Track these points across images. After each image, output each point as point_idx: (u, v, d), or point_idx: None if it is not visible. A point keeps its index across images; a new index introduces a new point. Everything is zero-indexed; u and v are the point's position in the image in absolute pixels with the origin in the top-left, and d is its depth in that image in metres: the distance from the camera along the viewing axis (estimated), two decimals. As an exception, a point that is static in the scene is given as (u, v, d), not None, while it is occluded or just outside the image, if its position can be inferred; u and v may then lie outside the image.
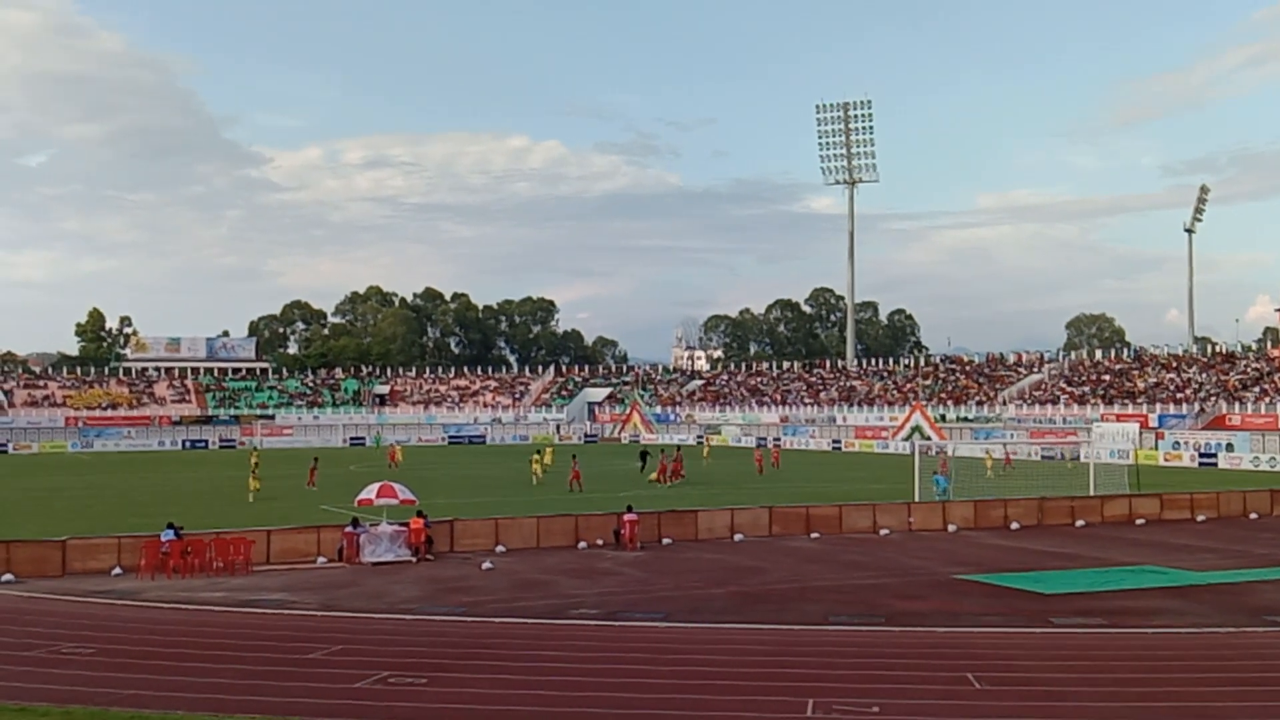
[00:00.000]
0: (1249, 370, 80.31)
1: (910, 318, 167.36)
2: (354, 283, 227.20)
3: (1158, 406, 77.12)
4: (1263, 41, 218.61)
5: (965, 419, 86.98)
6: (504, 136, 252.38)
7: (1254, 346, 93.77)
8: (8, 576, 25.52)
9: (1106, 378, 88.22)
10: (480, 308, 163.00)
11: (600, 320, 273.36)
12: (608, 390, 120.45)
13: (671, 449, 59.87)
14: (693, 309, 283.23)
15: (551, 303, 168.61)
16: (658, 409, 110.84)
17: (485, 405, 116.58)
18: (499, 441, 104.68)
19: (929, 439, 66.69)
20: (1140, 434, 71.68)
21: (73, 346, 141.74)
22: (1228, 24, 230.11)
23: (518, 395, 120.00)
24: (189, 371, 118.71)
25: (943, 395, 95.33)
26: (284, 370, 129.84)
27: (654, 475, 52.53)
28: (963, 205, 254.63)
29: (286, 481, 51.03)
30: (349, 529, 28.71)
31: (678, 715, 14.14)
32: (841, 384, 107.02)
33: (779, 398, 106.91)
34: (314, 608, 22.21)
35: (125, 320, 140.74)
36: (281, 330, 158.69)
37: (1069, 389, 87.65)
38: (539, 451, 56.86)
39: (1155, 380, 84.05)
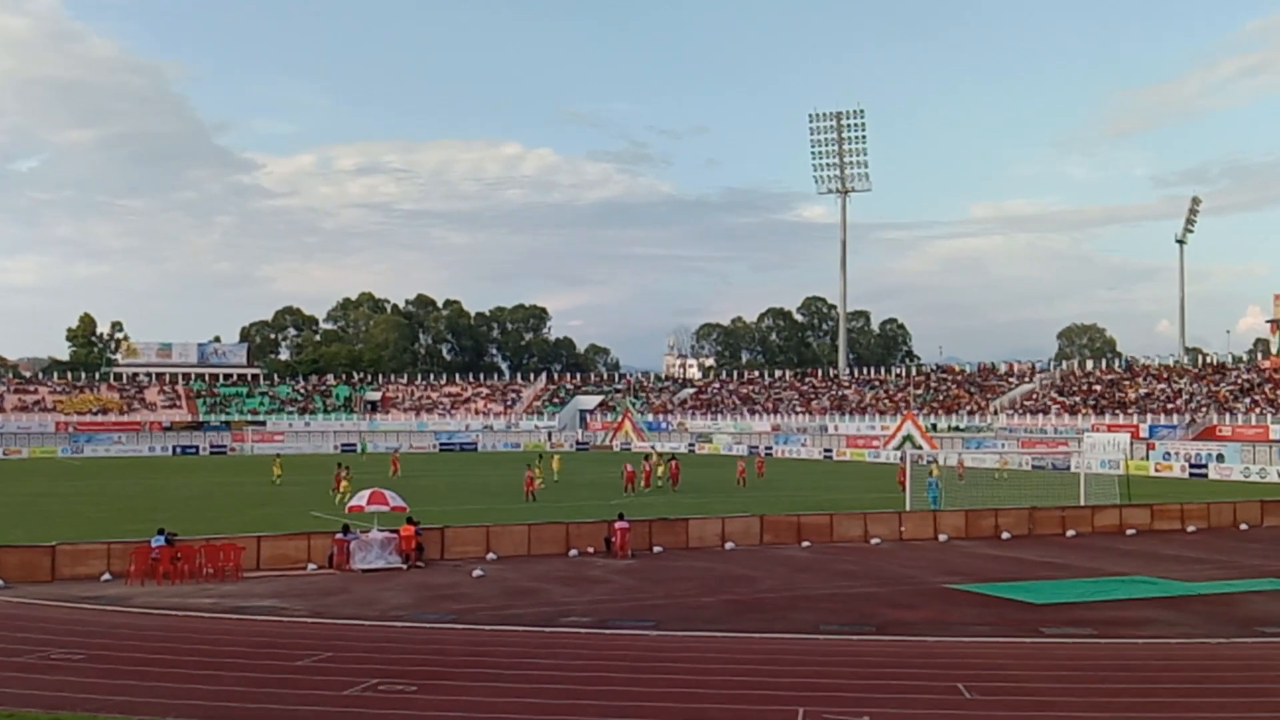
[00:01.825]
0: (1240, 381, 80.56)
1: (902, 327, 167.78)
2: (346, 289, 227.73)
3: (1148, 417, 77.26)
4: (1255, 53, 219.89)
5: (957, 428, 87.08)
6: (496, 144, 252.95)
7: (1245, 358, 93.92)
8: (-4, 582, 25.43)
9: (1097, 388, 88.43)
10: (472, 315, 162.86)
11: (592, 328, 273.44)
12: (599, 398, 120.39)
13: (640, 456, 59.98)
14: (685, 317, 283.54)
15: (544, 310, 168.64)
16: (649, 417, 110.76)
17: (477, 412, 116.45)
18: (490, 449, 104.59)
19: (920, 448, 66.68)
20: (1131, 444, 71.85)
21: (64, 351, 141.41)
22: (1220, 35, 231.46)
23: (509, 402, 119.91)
24: (180, 377, 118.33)
25: (934, 405, 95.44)
26: (275, 376, 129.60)
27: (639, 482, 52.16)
28: (955, 215, 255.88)
29: (306, 488, 50.87)
30: (339, 535, 28.64)
31: (668, 724, 14.12)
32: (833, 393, 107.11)
33: (771, 406, 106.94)
34: (304, 614, 22.15)
35: (117, 325, 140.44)
36: (273, 336, 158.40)
37: (1060, 399, 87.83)
38: (541, 456, 57.09)
39: (1146, 391, 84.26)
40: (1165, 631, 20.58)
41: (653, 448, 79.74)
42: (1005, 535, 35.41)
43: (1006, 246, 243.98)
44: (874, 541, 33.98)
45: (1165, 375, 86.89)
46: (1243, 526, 38.63)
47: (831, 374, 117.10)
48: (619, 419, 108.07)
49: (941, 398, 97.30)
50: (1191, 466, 67.22)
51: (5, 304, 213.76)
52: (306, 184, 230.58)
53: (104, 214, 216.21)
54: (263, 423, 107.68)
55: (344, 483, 46.31)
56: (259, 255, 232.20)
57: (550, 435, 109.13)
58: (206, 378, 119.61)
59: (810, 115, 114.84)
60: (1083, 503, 40.32)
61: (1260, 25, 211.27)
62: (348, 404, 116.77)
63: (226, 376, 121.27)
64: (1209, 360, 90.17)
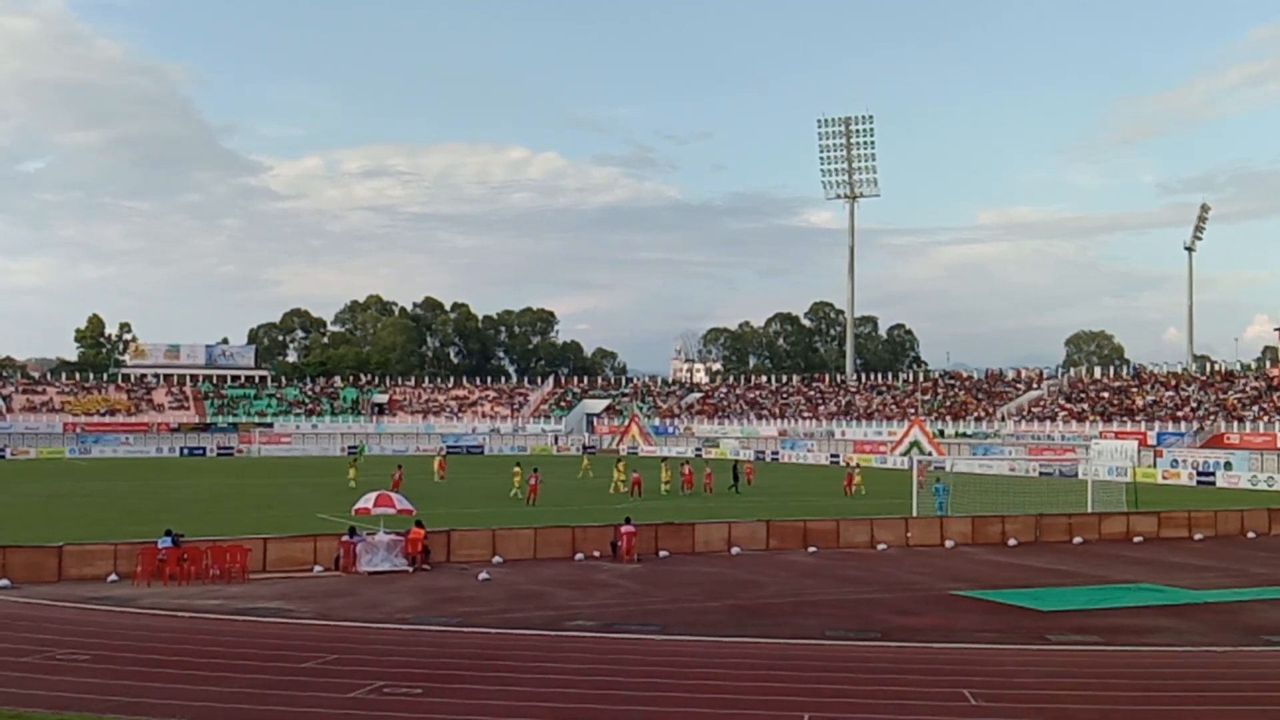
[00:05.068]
0: (1248, 389, 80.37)
1: (910, 333, 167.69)
2: (353, 292, 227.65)
3: (1156, 424, 77.12)
4: (1261, 60, 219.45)
5: (964, 435, 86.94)
6: (502, 148, 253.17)
7: (1253, 365, 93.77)
8: (4, 582, 25.46)
9: (1105, 395, 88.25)
10: (480, 318, 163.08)
11: (599, 332, 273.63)
12: (606, 402, 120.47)
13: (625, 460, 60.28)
14: (692, 322, 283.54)
15: (551, 314, 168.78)
16: (656, 421, 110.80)
17: (484, 415, 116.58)
18: (497, 452, 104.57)
19: (928, 454, 66.60)
20: (1139, 452, 71.65)
21: (72, 352, 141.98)
22: (1225, 42, 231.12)
23: (516, 406, 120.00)
24: (188, 379, 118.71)
25: (941, 411, 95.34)
26: (283, 378, 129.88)
27: (616, 487, 53.12)
28: (963, 221, 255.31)
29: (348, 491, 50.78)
30: (346, 538, 28.66)
31: (673, 728, 14.11)
32: (840, 398, 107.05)
33: (778, 411, 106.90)
34: (310, 616, 22.17)
35: (125, 327, 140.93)
36: (281, 338, 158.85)
37: (1068, 406, 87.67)
38: (620, 462, 57.91)
39: (1154, 398, 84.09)
40: (1172, 639, 20.53)
41: (586, 457, 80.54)
42: (1012, 542, 35.33)
43: (1013, 253, 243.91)
44: (880, 547, 33.93)
45: (1173, 383, 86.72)
46: (1250, 535, 38.49)
47: (839, 379, 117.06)
48: (626, 423, 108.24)
49: (949, 404, 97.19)
50: (1199, 474, 66.98)
51: (13, 305, 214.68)
52: (313, 187, 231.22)
53: (110, 216, 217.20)
54: (270, 425, 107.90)
55: (518, 479, 50.13)
56: (265, 258, 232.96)
57: (557, 439, 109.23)
58: (214, 379, 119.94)
59: (819, 121, 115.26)
60: (1090, 510, 40.23)
61: (1265, 33, 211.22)
62: (355, 406, 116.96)
63: (234, 378, 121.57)
64: (1217, 368, 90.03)
